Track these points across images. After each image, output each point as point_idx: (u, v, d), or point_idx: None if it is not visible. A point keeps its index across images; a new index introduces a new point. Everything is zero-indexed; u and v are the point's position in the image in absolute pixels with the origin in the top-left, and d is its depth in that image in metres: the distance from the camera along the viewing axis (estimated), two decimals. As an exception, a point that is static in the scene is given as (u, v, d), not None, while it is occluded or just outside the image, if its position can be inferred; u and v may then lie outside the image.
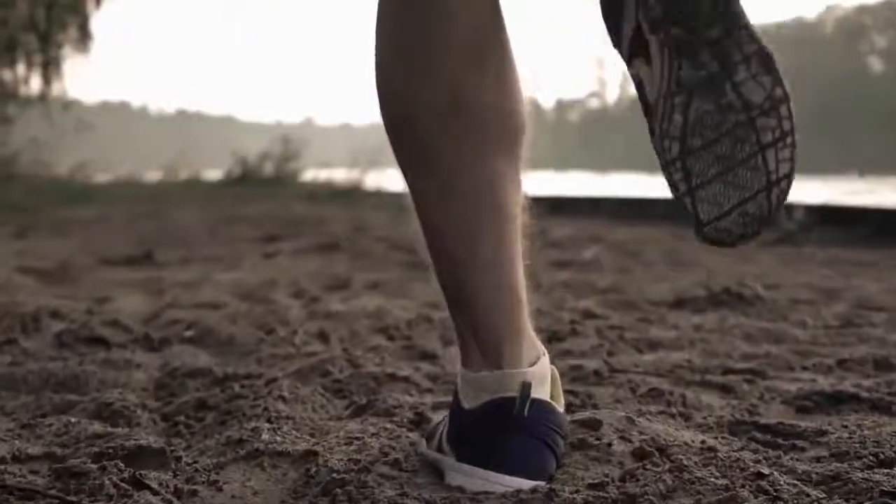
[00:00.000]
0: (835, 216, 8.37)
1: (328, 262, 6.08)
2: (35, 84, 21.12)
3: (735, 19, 1.52)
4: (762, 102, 1.51)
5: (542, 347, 1.73)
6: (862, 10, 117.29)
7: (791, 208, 8.35)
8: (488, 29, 1.63)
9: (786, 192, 1.53)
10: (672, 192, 1.56)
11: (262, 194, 14.57)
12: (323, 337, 2.98)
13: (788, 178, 1.53)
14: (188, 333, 3.07)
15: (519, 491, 1.53)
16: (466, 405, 1.65)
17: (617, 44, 1.60)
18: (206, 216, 10.99)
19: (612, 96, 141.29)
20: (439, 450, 1.71)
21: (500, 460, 1.58)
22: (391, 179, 15.28)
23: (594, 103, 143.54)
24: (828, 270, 5.27)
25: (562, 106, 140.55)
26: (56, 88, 21.37)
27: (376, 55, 1.66)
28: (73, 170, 19.20)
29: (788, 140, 1.52)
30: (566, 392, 1.91)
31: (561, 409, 1.69)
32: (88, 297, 4.16)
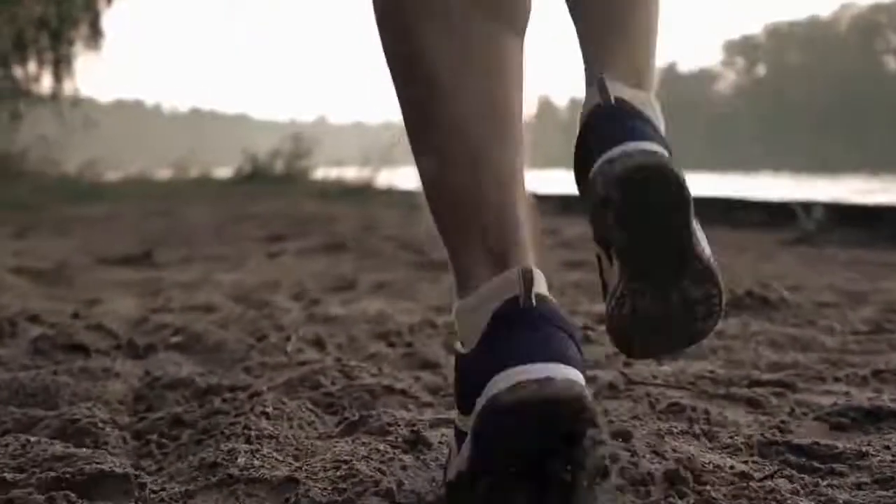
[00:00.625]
0: (855, 216, 8.15)
1: (334, 262, 5.90)
2: (46, 82, 21.10)
3: (688, 262, 1.60)
4: (701, 297, 1.64)
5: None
6: (877, 8, 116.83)
7: (809, 207, 8.16)
8: None
9: (701, 336, 1.73)
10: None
11: (272, 192, 14.40)
12: (318, 343, 2.79)
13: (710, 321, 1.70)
14: (175, 339, 2.87)
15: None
16: (465, 349, 1.45)
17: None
18: (214, 214, 10.81)
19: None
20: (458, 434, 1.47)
21: (512, 354, 1.33)
22: (403, 177, 15.20)
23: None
24: (851, 272, 5.06)
25: (575, 104, 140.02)
26: (67, 86, 21.36)
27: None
28: (82, 168, 19.05)
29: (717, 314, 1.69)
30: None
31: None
32: (78, 299, 3.97)
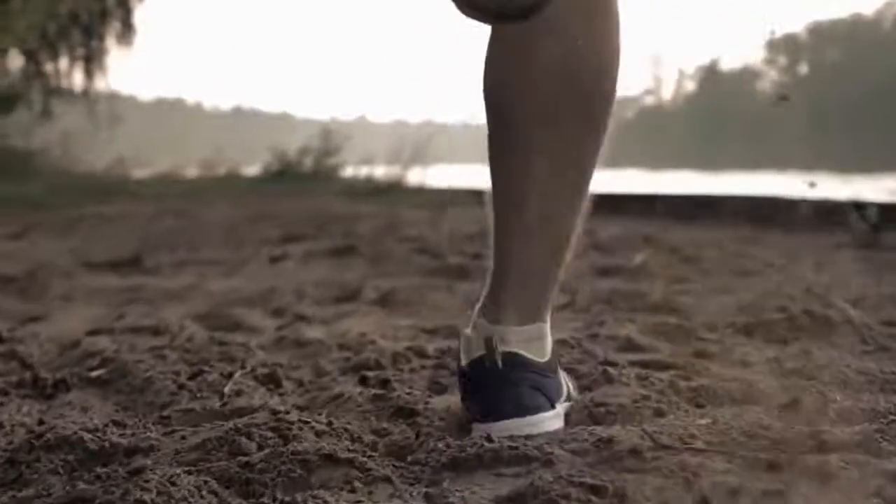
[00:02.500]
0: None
1: (341, 267, 5.35)
2: (78, 78, 20.74)
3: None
4: None
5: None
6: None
7: (863, 207, 7.60)
8: None
9: None
10: None
11: (299, 191, 13.85)
12: (272, 381, 2.22)
13: None
14: (97, 373, 2.32)
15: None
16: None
17: None
18: (232, 214, 10.29)
19: (667, 94, 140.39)
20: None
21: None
22: (434, 175, 14.68)
23: (649, 101, 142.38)
24: (919, 281, 4.46)
25: (617, 102, 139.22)
26: (99, 83, 21.04)
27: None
28: (109, 166, 18.56)
29: None
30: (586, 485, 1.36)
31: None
32: (27, 312, 3.45)
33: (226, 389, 2.07)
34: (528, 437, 1.76)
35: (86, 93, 20.74)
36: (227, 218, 9.62)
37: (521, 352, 1.81)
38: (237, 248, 6.37)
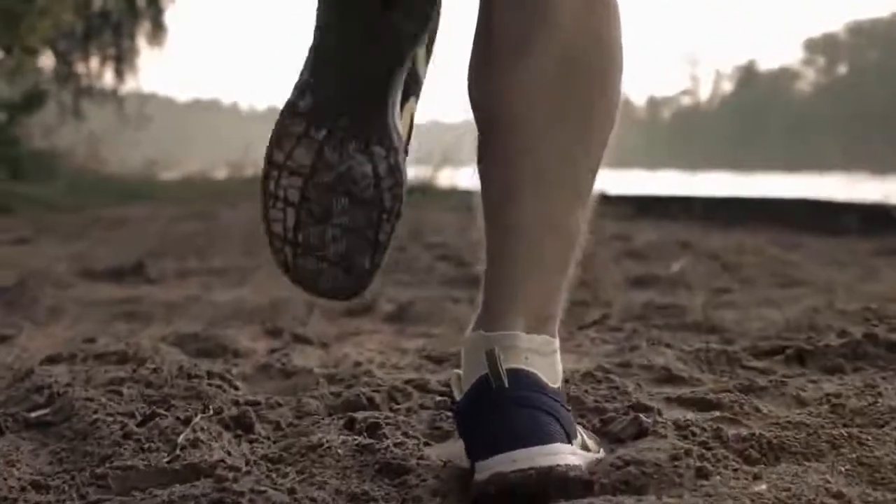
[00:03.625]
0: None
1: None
2: (108, 78, 20.56)
3: None
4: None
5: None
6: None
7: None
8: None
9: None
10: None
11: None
12: (241, 426, 1.87)
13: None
14: (38, 414, 1.97)
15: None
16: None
17: None
18: (255, 217, 9.94)
19: (704, 94, 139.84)
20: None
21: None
22: (466, 177, 14.33)
23: (686, 101, 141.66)
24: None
25: (654, 103, 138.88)
26: (130, 83, 20.90)
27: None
28: (138, 167, 18.27)
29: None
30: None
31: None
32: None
33: (180, 439, 1.71)
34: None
35: (115, 93, 20.58)
36: (250, 221, 9.28)
37: (532, 370, 1.54)
38: (252, 253, 6.04)
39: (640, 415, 1.82)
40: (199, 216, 9.98)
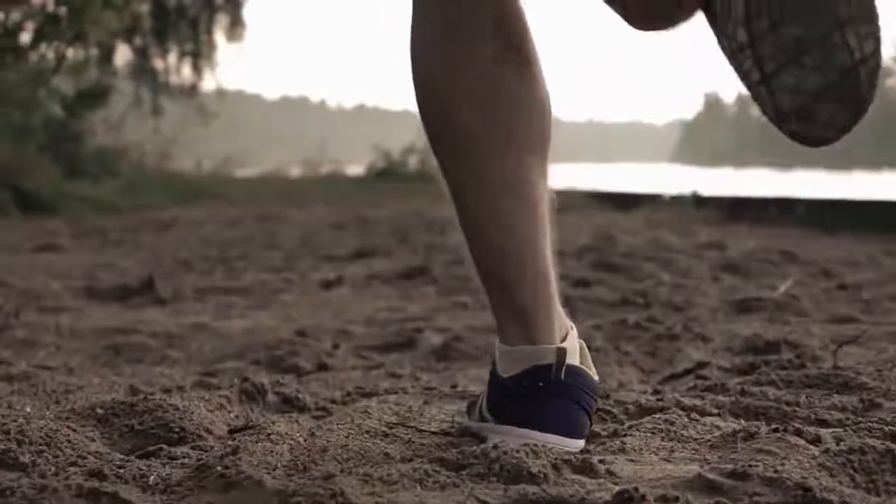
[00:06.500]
0: None
1: (406, 296, 4.25)
2: (186, 74, 20.18)
3: None
4: None
5: (569, 322, 1.77)
6: None
7: None
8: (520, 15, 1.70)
9: (875, 72, 1.45)
10: (744, 82, 1.51)
11: (399, 193, 12.80)
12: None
13: (875, 56, 1.45)
14: None
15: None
16: (504, 374, 1.71)
17: None
18: (314, 220, 9.26)
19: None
20: (481, 419, 1.77)
21: (538, 421, 1.66)
22: (554, 175, 13.55)
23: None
24: None
25: (743, 100, 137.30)
26: (208, 79, 20.59)
27: (411, 48, 1.74)
28: (215, 165, 17.75)
29: (868, 17, 1.45)
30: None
31: (593, 375, 1.74)
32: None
33: None
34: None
35: (194, 88, 20.19)
36: (306, 225, 8.60)
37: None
38: (292, 268, 5.30)
39: None
40: (258, 219, 9.31)
